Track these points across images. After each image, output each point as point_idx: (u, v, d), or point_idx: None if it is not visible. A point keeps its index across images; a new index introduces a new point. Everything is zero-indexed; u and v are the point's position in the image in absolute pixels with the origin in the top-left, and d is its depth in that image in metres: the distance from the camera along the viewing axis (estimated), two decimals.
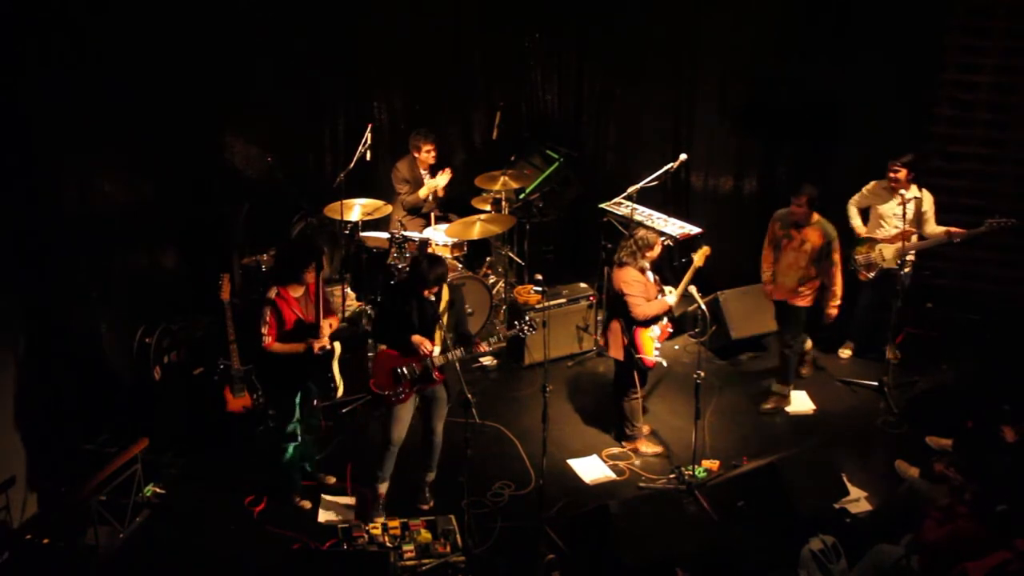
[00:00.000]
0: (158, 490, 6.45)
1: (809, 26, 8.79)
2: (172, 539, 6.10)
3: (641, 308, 6.63)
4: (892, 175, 7.61)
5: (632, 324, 6.69)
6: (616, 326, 6.78)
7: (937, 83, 8.71)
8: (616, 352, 6.81)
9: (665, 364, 7.14)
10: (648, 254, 6.68)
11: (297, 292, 6.13)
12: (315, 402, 6.48)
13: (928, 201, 7.67)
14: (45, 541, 5.86)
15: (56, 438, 6.49)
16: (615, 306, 6.81)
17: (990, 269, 8.82)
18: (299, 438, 6.35)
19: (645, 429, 7.11)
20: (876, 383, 7.74)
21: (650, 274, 6.79)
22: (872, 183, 7.88)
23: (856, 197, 7.99)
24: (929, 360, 8.21)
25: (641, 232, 6.78)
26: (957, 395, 7.47)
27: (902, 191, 7.59)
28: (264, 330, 6.01)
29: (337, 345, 6.31)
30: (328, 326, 6.22)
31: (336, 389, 6.40)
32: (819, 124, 8.83)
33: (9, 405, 6.15)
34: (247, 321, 7.67)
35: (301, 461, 6.50)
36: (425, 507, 6.39)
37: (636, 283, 6.65)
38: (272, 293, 6.07)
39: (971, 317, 8.58)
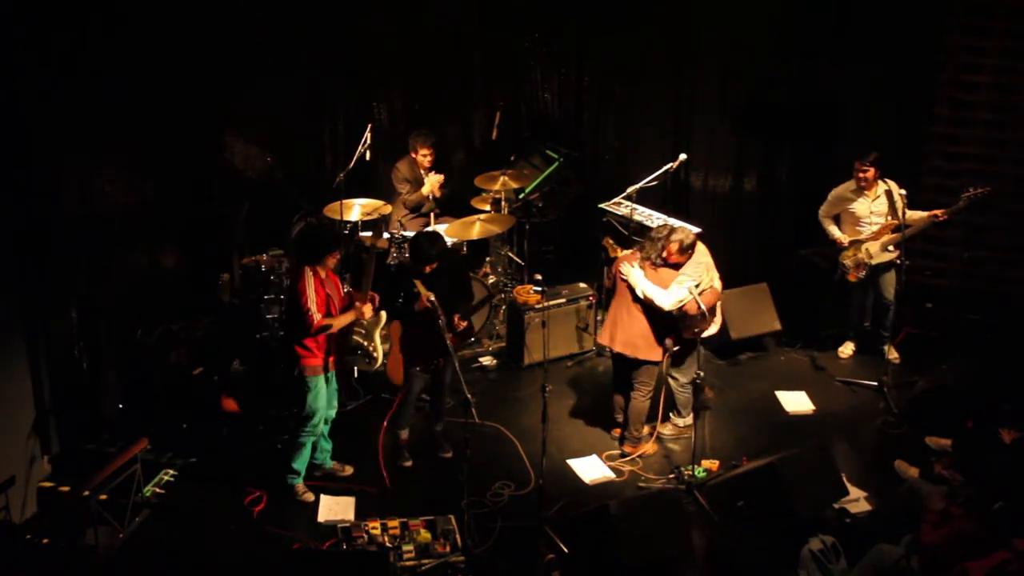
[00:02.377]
0: (158, 490, 6.45)
1: (809, 26, 8.80)
2: (172, 539, 6.10)
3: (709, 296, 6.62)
4: (861, 175, 7.63)
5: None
6: (648, 327, 6.65)
7: (937, 83, 8.72)
8: (650, 352, 6.68)
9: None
10: (670, 247, 6.62)
11: (321, 274, 6.16)
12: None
13: (896, 189, 7.68)
14: (45, 541, 5.86)
15: (56, 438, 6.50)
16: (651, 308, 6.61)
17: (990, 269, 8.82)
18: (320, 427, 6.41)
19: (645, 430, 7.09)
20: (876, 383, 7.74)
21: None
22: (838, 189, 7.87)
23: (825, 207, 7.97)
24: (929, 360, 8.21)
25: (662, 231, 6.67)
26: (957, 395, 7.46)
27: (880, 189, 7.67)
28: (311, 306, 5.98)
29: (383, 314, 6.41)
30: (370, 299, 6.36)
31: (375, 360, 6.47)
32: (819, 124, 8.84)
33: (9, 405, 6.15)
34: (247, 321, 7.70)
35: (313, 451, 6.52)
36: (447, 455, 6.85)
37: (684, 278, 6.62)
38: (307, 272, 6.06)
39: (971, 317, 8.58)
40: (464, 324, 6.55)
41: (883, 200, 7.68)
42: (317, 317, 6.02)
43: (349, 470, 6.73)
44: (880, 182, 7.68)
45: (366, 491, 6.53)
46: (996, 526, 5.13)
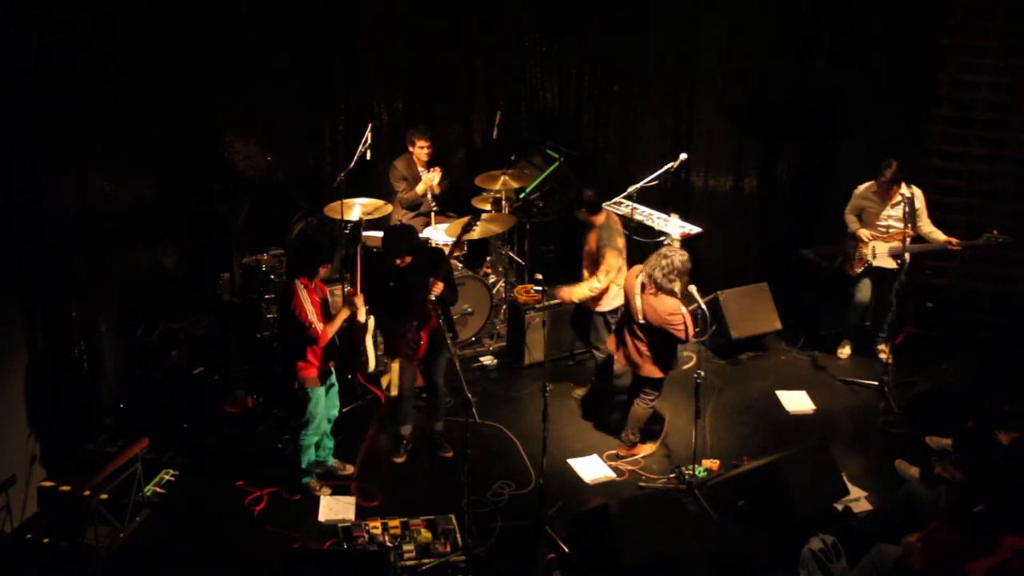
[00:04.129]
0: (158, 490, 6.45)
1: (809, 26, 8.80)
2: (172, 539, 6.11)
3: (689, 332, 6.49)
4: (895, 187, 7.60)
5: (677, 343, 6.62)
6: (645, 348, 6.61)
7: (937, 83, 8.71)
8: (650, 370, 6.66)
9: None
10: (685, 278, 6.43)
11: (310, 283, 6.20)
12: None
13: (919, 197, 7.68)
14: (45, 541, 5.86)
15: (56, 438, 6.50)
16: (651, 332, 6.55)
17: (990, 269, 8.82)
18: (320, 426, 6.43)
19: (648, 443, 7.08)
20: (876, 383, 7.74)
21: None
22: (862, 187, 7.85)
23: (850, 204, 7.94)
24: (929, 360, 8.20)
25: (678, 258, 6.38)
26: (957, 395, 7.46)
27: (900, 192, 7.64)
28: (311, 318, 6.03)
29: (371, 320, 6.45)
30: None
31: (367, 364, 6.50)
32: (819, 123, 8.84)
33: (9, 405, 6.16)
34: (246, 321, 7.67)
35: (319, 450, 6.55)
36: (447, 455, 6.86)
37: (680, 314, 6.43)
38: (299, 286, 6.10)
39: (971, 317, 8.58)
40: (440, 285, 6.38)
41: (900, 207, 7.65)
42: (320, 327, 6.07)
43: (351, 468, 6.74)
44: (904, 186, 7.65)
45: (367, 489, 6.53)
46: (978, 530, 5.11)
